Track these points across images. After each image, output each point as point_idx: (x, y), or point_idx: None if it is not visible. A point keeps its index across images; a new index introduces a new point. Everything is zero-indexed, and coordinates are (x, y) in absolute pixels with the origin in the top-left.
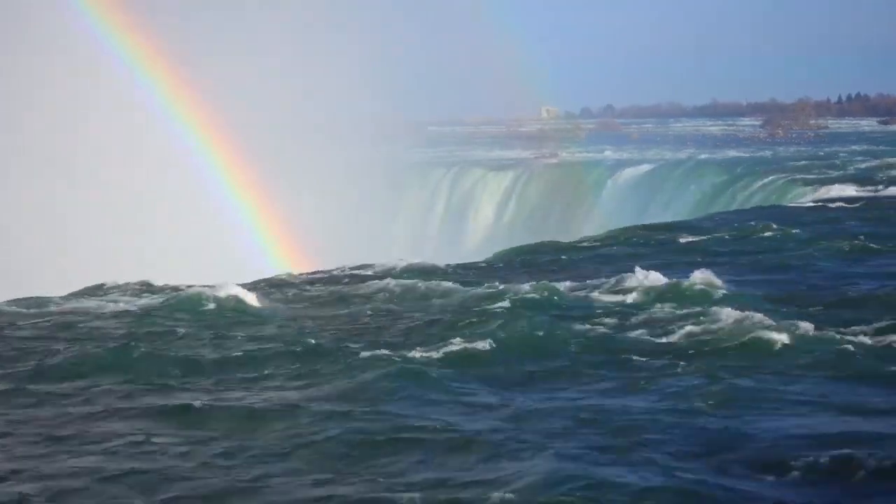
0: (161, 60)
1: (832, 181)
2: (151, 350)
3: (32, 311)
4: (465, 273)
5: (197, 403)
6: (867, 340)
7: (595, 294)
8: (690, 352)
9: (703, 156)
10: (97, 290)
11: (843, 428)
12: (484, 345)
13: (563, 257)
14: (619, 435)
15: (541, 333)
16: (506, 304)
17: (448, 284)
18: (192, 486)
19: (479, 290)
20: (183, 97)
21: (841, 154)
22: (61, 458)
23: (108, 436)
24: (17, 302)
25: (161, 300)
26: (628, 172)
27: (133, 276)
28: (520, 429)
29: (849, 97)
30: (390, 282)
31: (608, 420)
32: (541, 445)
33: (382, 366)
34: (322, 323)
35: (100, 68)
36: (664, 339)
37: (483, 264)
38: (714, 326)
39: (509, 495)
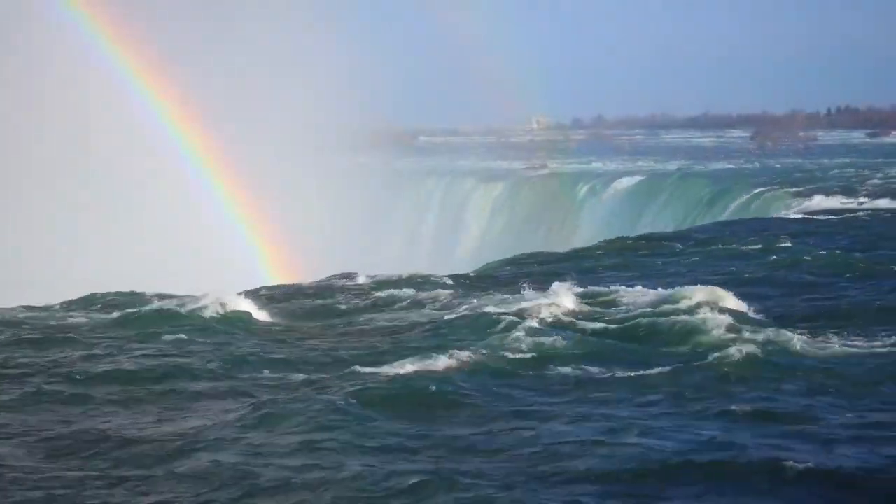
0: (152, 70)
1: (820, 192)
2: (143, 359)
3: (22, 320)
4: (456, 283)
5: (186, 409)
6: (860, 352)
7: (585, 305)
8: (680, 364)
9: (693, 167)
10: (88, 300)
11: (840, 437)
12: (474, 356)
13: (554, 268)
14: (609, 450)
15: (531, 345)
16: (495, 315)
17: (439, 294)
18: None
19: (470, 301)
20: (174, 107)
21: (829, 166)
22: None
23: (104, 439)
24: (6, 310)
25: (153, 309)
26: (618, 183)
27: (125, 286)
28: (514, 438)
29: (839, 109)
30: (381, 292)
31: (599, 434)
32: (532, 454)
33: (369, 377)
34: (313, 333)
35: (93, 78)
36: (654, 352)
37: (473, 275)
38: (703, 338)
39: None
